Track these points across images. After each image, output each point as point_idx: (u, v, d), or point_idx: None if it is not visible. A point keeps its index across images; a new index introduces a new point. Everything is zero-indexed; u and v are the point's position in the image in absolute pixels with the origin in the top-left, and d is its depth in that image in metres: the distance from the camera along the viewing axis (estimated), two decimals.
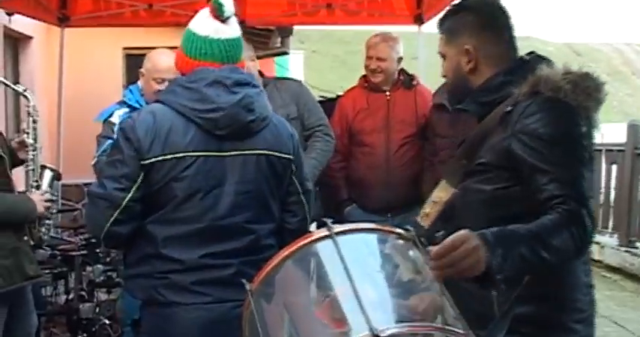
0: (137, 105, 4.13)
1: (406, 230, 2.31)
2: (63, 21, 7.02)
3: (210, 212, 2.75)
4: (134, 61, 9.34)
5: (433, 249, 1.99)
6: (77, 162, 5.57)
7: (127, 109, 4.16)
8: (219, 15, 2.77)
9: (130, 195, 2.69)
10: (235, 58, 2.84)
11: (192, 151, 2.72)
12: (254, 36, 9.81)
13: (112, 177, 2.72)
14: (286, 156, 2.92)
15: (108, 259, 4.89)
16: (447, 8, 2.58)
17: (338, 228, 2.27)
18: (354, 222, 2.41)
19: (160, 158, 2.69)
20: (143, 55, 4.32)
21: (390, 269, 2.27)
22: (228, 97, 2.74)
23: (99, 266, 4.79)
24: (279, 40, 10.01)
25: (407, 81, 4.99)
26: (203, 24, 2.81)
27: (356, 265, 2.18)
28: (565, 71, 2.29)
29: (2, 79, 3.97)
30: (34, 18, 6.87)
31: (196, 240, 2.75)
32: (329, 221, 2.30)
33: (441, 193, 2.48)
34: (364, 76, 5.03)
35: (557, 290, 2.27)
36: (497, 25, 2.47)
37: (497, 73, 2.41)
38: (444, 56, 2.54)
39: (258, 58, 11.10)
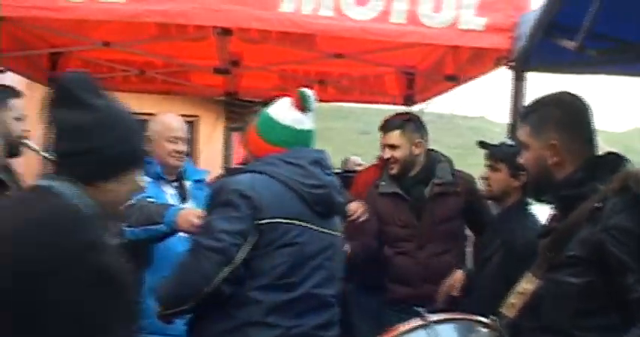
0: (157, 178, 4.02)
1: (492, 320, 2.36)
2: (53, 82, 6.86)
3: (308, 281, 2.79)
4: None
5: None
6: None
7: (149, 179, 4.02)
8: (304, 107, 2.90)
9: (241, 255, 2.64)
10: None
11: (302, 220, 2.80)
12: (237, 107, 9.84)
13: (227, 231, 2.64)
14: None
15: None
16: (532, 100, 2.61)
17: (433, 317, 2.33)
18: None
19: (276, 220, 2.73)
20: None
21: None
22: (326, 177, 2.93)
23: None
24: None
25: None
26: (286, 113, 2.92)
27: None
28: None
29: (29, 144, 3.84)
30: (26, 77, 6.76)
31: (297, 308, 2.76)
32: (422, 310, 2.35)
33: (527, 284, 2.50)
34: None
35: None
36: (582, 122, 2.54)
37: (577, 168, 2.48)
38: (526, 146, 2.57)
39: (242, 128, 11.12)
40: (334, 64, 6.61)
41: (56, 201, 1.98)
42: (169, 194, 4.01)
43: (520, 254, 3.36)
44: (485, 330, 2.37)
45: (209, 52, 6.16)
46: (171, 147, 4.04)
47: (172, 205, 3.54)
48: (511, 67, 4.43)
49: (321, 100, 7.76)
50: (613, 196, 2.32)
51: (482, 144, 3.86)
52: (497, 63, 4.63)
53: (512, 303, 2.52)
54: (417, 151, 4.45)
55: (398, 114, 4.68)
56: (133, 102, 8.77)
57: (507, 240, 3.56)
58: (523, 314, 2.50)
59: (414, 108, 7.24)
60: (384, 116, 4.67)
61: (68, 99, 2.06)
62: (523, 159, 2.62)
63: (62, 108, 2.07)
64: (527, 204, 3.58)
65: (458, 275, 4.10)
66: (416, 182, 4.47)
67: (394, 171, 4.46)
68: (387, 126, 4.51)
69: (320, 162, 2.93)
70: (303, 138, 2.94)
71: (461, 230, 4.54)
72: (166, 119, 4.17)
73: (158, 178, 4.01)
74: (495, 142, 3.90)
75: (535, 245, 2.63)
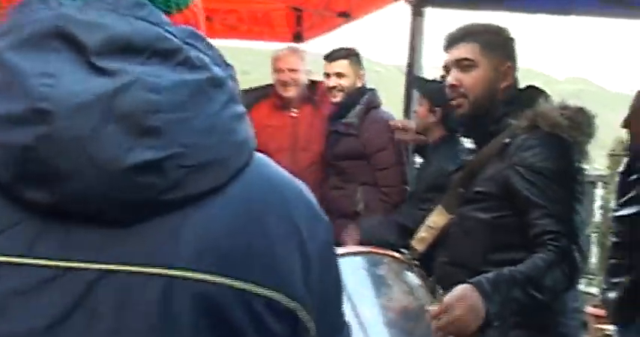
0: None
1: (401, 253, 2.37)
2: None
3: None
4: None
5: (432, 309, 2.05)
6: None
7: None
8: None
9: None
10: None
11: None
12: None
13: None
14: (275, 294, 0.95)
15: None
16: (470, 23, 2.58)
17: (337, 250, 2.28)
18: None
19: None
20: None
21: (383, 290, 2.31)
22: (83, 81, 0.87)
23: None
24: None
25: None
26: None
27: (351, 286, 2.21)
28: (562, 106, 2.38)
29: None
30: None
31: None
32: None
33: (438, 218, 2.51)
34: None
35: (544, 315, 2.33)
36: (515, 53, 2.54)
37: (499, 102, 2.47)
38: (473, 64, 2.48)
39: None
40: (222, 0, 6.46)
41: None
42: None
43: (428, 187, 3.49)
44: (393, 264, 2.38)
45: None
46: None
47: None
48: (409, 2, 4.41)
49: (208, 37, 7.82)
50: (522, 133, 2.35)
51: (416, 80, 3.97)
52: None
53: (423, 237, 2.54)
54: (359, 83, 4.53)
55: (341, 48, 4.69)
56: None
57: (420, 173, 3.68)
58: (433, 248, 2.53)
59: (302, 46, 7.17)
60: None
61: None
62: (469, 77, 2.48)
63: None
64: (450, 139, 3.65)
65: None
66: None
67: (338, 99, 4.51)
68: (333, 55, 4.55)
69: (69, 32, 0.88)
70: None
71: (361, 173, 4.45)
72: None
73: None
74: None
75: (443, 178, 2.66)
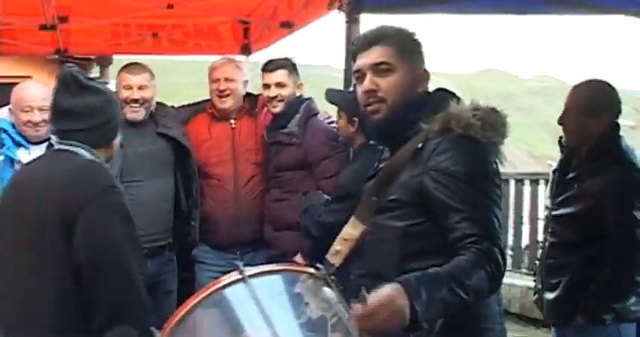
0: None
1: (317, 269, 2.32)
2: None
3: None
4: None
5: (356, 309, 1.95)
6: None
7: None
8: None
9: None
10: None
11: None
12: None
13: None
14: None
15: None
16: (380, 27, 2.49)
17: (250, 270, 2.25)
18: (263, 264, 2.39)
19: None
20: None
21: (300, 309, 2.26)
22: None
23: None
24: (97, 69, 9.70)
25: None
26: None
27: (269, 307, 2.18)
28: (473, 107, 2.33)
29: None
30: None
31: None
32: (240, 264, 2.28)
33: (352, 230, 2.44)
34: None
35: (471, 321, 2.28)
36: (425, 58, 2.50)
37: (409, 107, 2.39)
38: (391, 68, 2.40)
39: None
40: (167, 15, 6.41)
41: (78, 158, 2.67)
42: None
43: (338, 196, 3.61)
44: (309, 280, 2.31)
45: (35, 8, 5.87)
46: (25, 117, 3.98)
47: None
48: (343, 10, 4.42)
49: (155, 53, 7.82)
50: (434, 137, 2.28)
51: (327, 92, 3.99)
52: (330, 6, 4.61)
53: (338, 250, 2.47)
54: (298, 93, 4.49)
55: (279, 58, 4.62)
56: None
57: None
58: (349, 261, 2.47)
59: (252, 59, 7.15)
60: None
61: (79, 88, 2.64)
62: (386, 81, 2.39)
63: (74, 95, 2.66)
64: (369, 146, 3.68)
65: None
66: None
67: (279, 109, 4.43)
68: (271, 66, 4.48)
69: None
70: None
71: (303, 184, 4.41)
72: (20, 89, 4.09)
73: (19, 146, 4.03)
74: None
75: (354, 186, 2.63)
